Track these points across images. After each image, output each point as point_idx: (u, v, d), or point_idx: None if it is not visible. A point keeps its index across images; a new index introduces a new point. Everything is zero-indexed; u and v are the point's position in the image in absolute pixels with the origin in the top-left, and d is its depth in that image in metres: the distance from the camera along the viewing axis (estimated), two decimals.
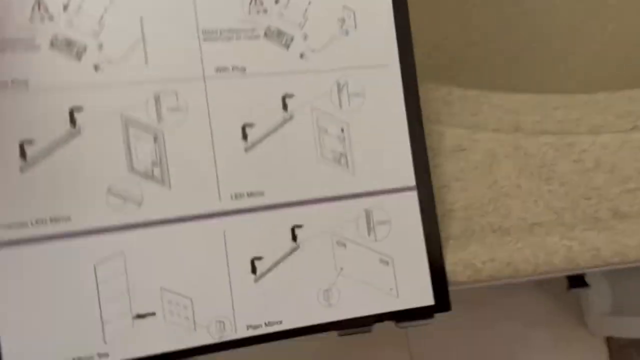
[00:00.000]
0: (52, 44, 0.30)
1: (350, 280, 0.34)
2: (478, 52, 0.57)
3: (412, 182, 0.35)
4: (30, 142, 0.29)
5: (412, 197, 0.35)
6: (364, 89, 0.35)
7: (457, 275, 0.36)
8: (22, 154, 0.29)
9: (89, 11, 0.30)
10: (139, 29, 0.31)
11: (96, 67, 0.30)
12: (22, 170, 0.29)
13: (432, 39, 0.56)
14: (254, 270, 0.33)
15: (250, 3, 0.33)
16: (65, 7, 0.30)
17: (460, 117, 0.38)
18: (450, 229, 0.36)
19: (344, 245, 0.34)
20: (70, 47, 0.30)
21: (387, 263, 0.35)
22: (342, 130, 0.34)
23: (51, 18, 0.30)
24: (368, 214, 0.34)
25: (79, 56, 0.30)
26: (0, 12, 0.29)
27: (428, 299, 0.35)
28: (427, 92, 0.37)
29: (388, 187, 0.35)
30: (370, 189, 0.34)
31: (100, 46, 0.30)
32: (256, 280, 0.33)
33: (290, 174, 0.33)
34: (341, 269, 0.34)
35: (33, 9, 0.29)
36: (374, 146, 0.35)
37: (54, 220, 0.30)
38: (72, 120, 0.30)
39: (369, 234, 0.34)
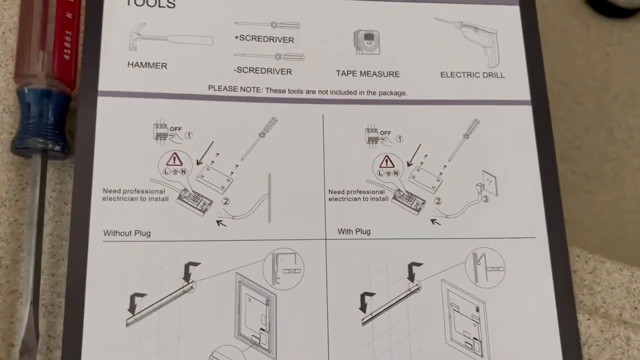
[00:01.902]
0: (180, 197, 0.30)
1: None
2: None
3: None
4: (141, 295, 0.28)
5: None
6: (504, 264, 0.30)
7: None
8: (132, 307, 0.28)
9: (220, 167, 0.30)
10: (266, 187, 0.30)
11: (219, 222, 0.30)
12: (127, 324, 0.28)
13: None
14: None
15: (380, 164, 0.31)
16: (199, 162, 0.30)
17: None
18: None
19: None
20: (197, 201, 0.30)
21: None
22: (477, 309, 0.29)
23: (184, 172, 0.30)
24: None
25: (203, 210, 0.30)
26: (136, 162, 0.30)
27: None
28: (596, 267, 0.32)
29: None
30: None
31: (226, 201, 0.30)
32: None
33: (412, 357, 0.28)
34: None
35: (168, 162, 0.30)
36: (515, 332, 0.29)
37: None
38: (187, 276, 0.29)
39: None
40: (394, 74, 0.33)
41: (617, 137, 0.54)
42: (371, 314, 0.29)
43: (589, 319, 0.30)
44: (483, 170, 0.31)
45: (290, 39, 0.33)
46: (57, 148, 0.29)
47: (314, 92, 0.32)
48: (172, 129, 0.30)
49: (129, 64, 0.31)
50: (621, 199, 0.51)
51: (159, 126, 0.30)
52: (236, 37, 0.32)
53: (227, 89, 0.31)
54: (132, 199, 0.29)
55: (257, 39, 0.32)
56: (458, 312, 0.29)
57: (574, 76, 0.55)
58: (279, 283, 0.29)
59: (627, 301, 0.31)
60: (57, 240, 0.30)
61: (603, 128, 0.55)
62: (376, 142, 0.31)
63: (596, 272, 0.31)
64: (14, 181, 0.31)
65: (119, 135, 0.30)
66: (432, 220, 0.30)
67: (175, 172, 0.30)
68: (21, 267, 0.30)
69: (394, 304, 0.29)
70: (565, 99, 0.54)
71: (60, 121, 0.30)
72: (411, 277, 0.30)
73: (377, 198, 0.31)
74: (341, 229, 0.30)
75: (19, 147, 0.29)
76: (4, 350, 0.28)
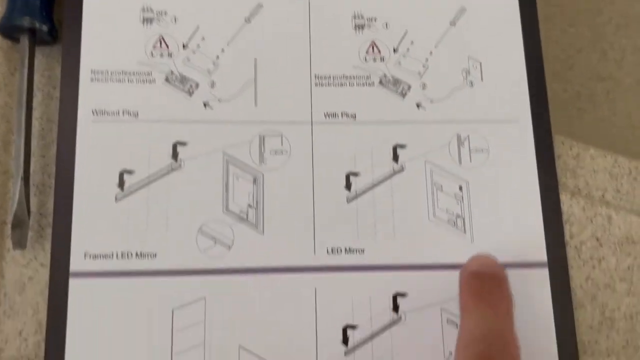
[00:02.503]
0: (167, 79, 0.30)
1: None
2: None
3: (544, 257, 0.29)
4: (130, 172, 0.29)
5: (543, 277, 0.29)
6: (488, 145, 0.30)
7: None
8: (121, 183, 0.29)
9: (207, 51, 0.30)
10: (252, 71, 0.30)
11: (205, 105, 0.30)
12: (117, 199, 0.28)
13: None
14: (345, 340, 0.28)
15: (367, 51, 0.31)
16: (185, 46, 0.30)
17: (632, 199, 0.31)
18: (608, 342, 0.29)
19: (456, 324, 0.28)
20: (183, 83, 0.30)
21: None
22: (460, 188, 0.30)
23: (170, 55, 0.30)
24: None
25: (190, 92, 0.30)
26: (123, 45, 0.30)
27: None
28: (575, 151, 0.32)
29: (513, 261, 0.29)
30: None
31: (212, 84, 0.30)
32: (347, 354, 0.28)
33: (395, 232, 0.29)
34: (450, 353, 0.28)
35: (154, 45, 0.30)
36: (498, 210, 0.30)
37: (140, 255, 0.28)
38: (175, 154, 0.29)
39: None
40: None
41: (610, 58, 0.54)
42: (356, 192, 0.30)
43: (571, 199, 0.31)
44: (469, 57, 0.32)
45: None
46: (45, 28, 0.30)
47: None
48: (158, 13, 0.31)
49: None
50: (612, 116, 0.51)
51: (146, 10, 0.31)
52: None
53: None
54: (119, 80, 0.30)
55: None
56: (441, 191, 0.30)
57: None
58: (265, 163, 0.30)
59: (609, 184, 0.31)
60: (47, 123, 0.30)
61: (596, 49, 0.54)
62: (362, 29, 0.32)
63: (580, 157, 0.32)
64: (2, 66, 0.31)
65: (106, 18, 0.30)
66: (418, 105, 0.31)
67: (161, 55, 0.30)
68: (11, 149, 0.30)
69: (378, 183, 0.30)
70: (559, 21, 0.54)
71: (47, 4, 0.30)
72: (396, 158, 0.30)
73: (363, 83, 0.31)
74: (327, 113, 0.30)
75: (7, 25, 0.29)
76: None
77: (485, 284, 0.26)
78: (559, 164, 0.31)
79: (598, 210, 0.31)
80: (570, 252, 0.30)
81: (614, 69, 0.53)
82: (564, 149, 0.32)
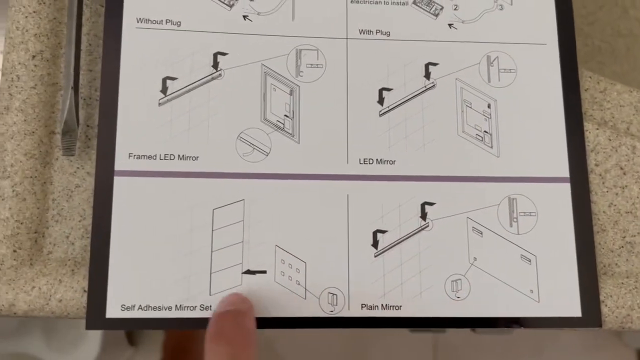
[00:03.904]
0: None
1: (484, 273, 0.29)
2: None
3: (566, 172, 0.31)
4: (172, 79, 0.30)
5: (564, 190, 0.30)
6: (516, 66, 0.32)
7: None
8: (164, 88, 0.30)
9: None
10: None
11: (245, 17, 0.31)
12: (160, 103, 0.30)
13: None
14: (375, 243, 0.29)
15: None
16: None
17: None
18: (627, 265, 0.31)
19: (481, 233, 0.30)
20: None
21: (529, 261, 0.30)
22: (489, 106, 0.31)
23: None
24: (511, 202, 0.30)
25: (230, 5, 0.31)
26: None
27: (574, 309, 0.29)
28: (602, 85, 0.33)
29: (536, 175, 0.30)
30: (516, 174, 0.30)
31: None
32: (377, 255, 0.29)
33: (425, 145, 0.30)
34: (475, 259, 0.29)
35: None
36: (524, 128, 0.31)
37: (182, 157, 0.29)
38: (215, 64, 0.30)
39: (510, 225, 0.30)
40: None
41: (631, 15, 0.55)
42: (388, 106, 0.31)
43: (597, 129, 0.32)
44: None
45: None
46: None
47: None
48: None
49: None
50: (631, 71, 0.52)
51: None
52: None
53: None
54: None
55: None
56: (470, 107, 0.31)
57: None
58: (302, 76, 0.31)
59: (634, 117, 0.33)
60: (94, 39, 0.31)
61: (617, 6, 0.55)
62: None
63: (607, 91, 0.33)
64: None
65: None
66: (450, 25, 0.32)
67: None
68: (60, 62, 0.31)
69: (410, 98, 0.31)
70: None
71: None
72: (427, 75, 0.31)
73: (397, 2, 0.32)
74: (362, 30, 0.31)
75: None
76: (46, 137, 0.30)
77: (221, 326, 0.26)
78: (586, 97, 0.32)
79: (623, 140, 0.32)
80: (595, 179, 0.31)
81: (635, 26, 0.54)
82: (592, 83, 0.33)
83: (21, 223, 0.29)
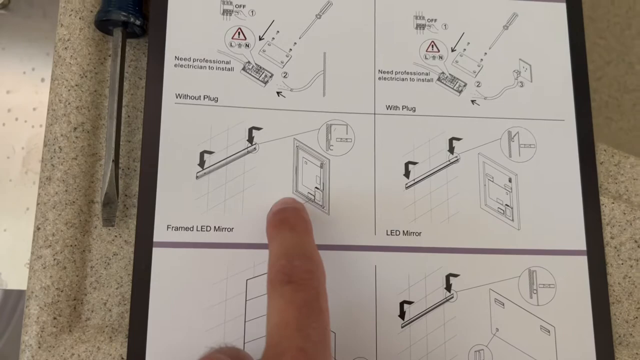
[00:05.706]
0: (244, 68, 0.32)
1: (506, 344, 0.31)
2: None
3: (583, 246, 0.32)
4: (210, 152, 0.31)
5: (581, 263, 0.32)
6: (536, 142, 0.33)
7: None
8: (201, 162, 0.31)
9: (280, 43, 0.33)
10: (322, 64, 0.33)
11: (278, 94, 0.32)
12: (197, 177, 0.31)
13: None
14: (402, 314, 0.31)
15: (427, 49, 0.34)
16: (261, 37, 0.33)
17: None
18: (633, 337, 0.32)
19: (502, 304, 0.31)
20: (259, 73, 0.32)
21: (548, 332, 0.31)
22: (510, 180, 0.33)
23: (247, 45, 0.33)
24: (531, 274, 0.32)
25: (265, 82, 0.32)
26: (204, 35, 0.32)
27: None
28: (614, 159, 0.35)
29: (555, 248, 0.32)
30: (536, 247, 0.32)
31: (285, 75, 0.32)
32: (404, 326, 0.30)
33: (449, 218, 0.32)
34: (497, 329, 0.31)
35: (233, 36, 0.33)
36: (543, 202, 0.32)
37: (218, 229, 0.30)
38: (250, 138, 0.32)
39: (530, 296, 0.31)
40: None
41: (637, 70, 0.57)
42: (414, 179, 0.32)
43: (613, 203, 0.33)
44: (520, 59, 0.34)
45: None
46: (138, 22, 0.32)
47: None
48: (237, 6, 0.33)
49: None
50: (638, 126, 0.54)
51: (225, 2, 0.33)
52: None
53: None
54: (201, 67, 0.32)
55: None
56: (492, 181, 0.32)
57: (600, 13, 0.57)
58: (332, 149, 0.32)
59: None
60: (133, 111, 0.33)
61: (624, 61, 0.57)
62: (423, 29, 0.34)
63: (620, 164, 0.34)
64: (94, 55, 0.33)
65: (189, 9, 0.32)
66: (472, 101, 0.33)
67: (239, 45, 0.33)
68: (100, 133, 0.33)
69: (435, 172, 0.32)
70: (589, 34, 0.57)
71: (139, 0, 0.33)
72: (451, 149, 0.33)
73: (422, 79, 0.33)
74: (389, 105, 0.33)
75: (103, 19, 0.32)
76: (86, 206, 0.32)
77: (284, 215, 0.29)
78: (601, 170, 0.34)
79: (637, 214, 0.33)
80: (611, 252, 0.33)
81: None
82: (606, 156, 0.34)
83: (61, 291, 0.30)
